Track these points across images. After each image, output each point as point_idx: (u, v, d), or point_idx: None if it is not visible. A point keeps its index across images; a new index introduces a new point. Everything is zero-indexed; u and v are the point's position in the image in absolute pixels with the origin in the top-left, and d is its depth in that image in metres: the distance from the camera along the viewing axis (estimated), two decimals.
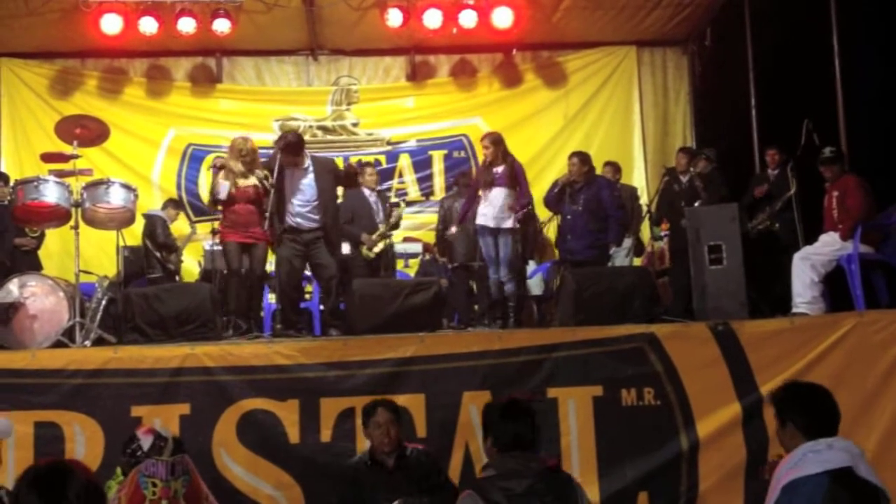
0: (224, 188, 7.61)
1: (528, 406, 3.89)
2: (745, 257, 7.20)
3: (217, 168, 7.85)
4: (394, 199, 10.11)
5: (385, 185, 10.24)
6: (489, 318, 8.18)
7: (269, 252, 7.97)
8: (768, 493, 3.57)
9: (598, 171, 9.22)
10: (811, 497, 3.37)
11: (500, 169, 8.16)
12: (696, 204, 8.58)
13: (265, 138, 11.29)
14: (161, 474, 4.06)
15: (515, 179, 8.16)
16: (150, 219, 9.45)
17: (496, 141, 8.27)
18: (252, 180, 7.66)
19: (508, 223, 8.10)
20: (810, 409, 3.63)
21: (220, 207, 7.80)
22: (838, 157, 7.69)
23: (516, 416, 3.77)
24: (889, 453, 5.89)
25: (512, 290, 8.09)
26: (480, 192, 8.23)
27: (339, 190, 8.53)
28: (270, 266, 8.48)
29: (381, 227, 8.97)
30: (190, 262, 10.26)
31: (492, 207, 8.13)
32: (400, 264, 9.81)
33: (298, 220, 7.63)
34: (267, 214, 7.46)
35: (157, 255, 9.22)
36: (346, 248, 8.59)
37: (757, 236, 8.95)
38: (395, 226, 9.30)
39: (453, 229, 8.88)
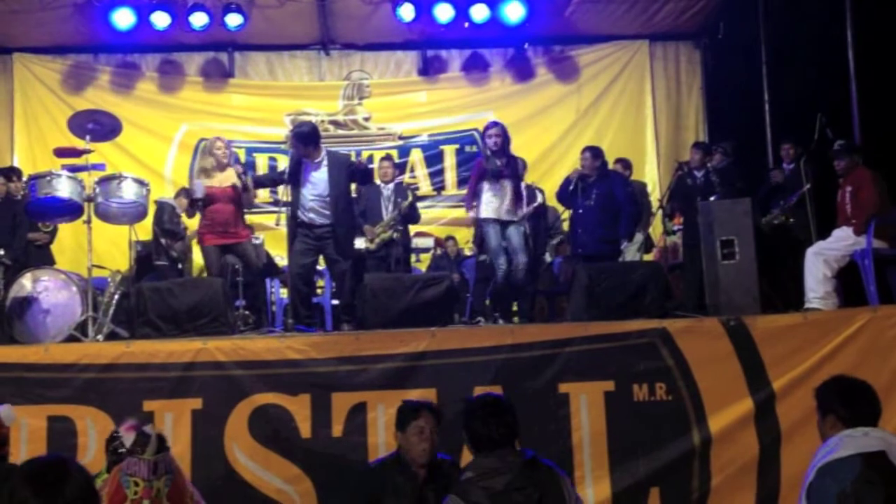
0: (199, 186, 7.73)
1: (502, 403, 3.81)
2: (757, 252, 7.16)
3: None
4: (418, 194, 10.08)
5: (396, 181, 10.22)
6: (500, 310, 8.17)
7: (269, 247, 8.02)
8: (805, 475, 3.62)
9: (609, 166, 9.18)
10: (844, 478, 3.43)
11: (504, 160, 8.17)
12: (712, 199, 8.53)
13: (277, 133, 11.36)
14: (143, 473, 3.92)
15: (518, 170, 8.20)
16: (161, 206, 9.44)
17: (505, 130, 8.28)
18: (230, 180, 7.69)
19: (518, 215, 8.10)
20: (852, 402, 3.69)
21: (198, 212, 7.91)
22: (850, 149, 7.63)
23: (489, 417, 3.69)
24: None
25: (523, 279, 8.07)
26: (485, 183, 8.20)
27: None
28: (283, 261, 8.49)
29: (384, 220, 8.94)
30: (201, 257, 10.26)
31: (499, 199, 8.11)
32: (411, 259, 9.78)
33: (311, 215, 7.61)
34: (282, 207, 7.49)
35: (162, 241, 9.22)
36: (358, 243, 8.57)
37: (770, 231, 8.90)
38: (409, 219, 9.21)
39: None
